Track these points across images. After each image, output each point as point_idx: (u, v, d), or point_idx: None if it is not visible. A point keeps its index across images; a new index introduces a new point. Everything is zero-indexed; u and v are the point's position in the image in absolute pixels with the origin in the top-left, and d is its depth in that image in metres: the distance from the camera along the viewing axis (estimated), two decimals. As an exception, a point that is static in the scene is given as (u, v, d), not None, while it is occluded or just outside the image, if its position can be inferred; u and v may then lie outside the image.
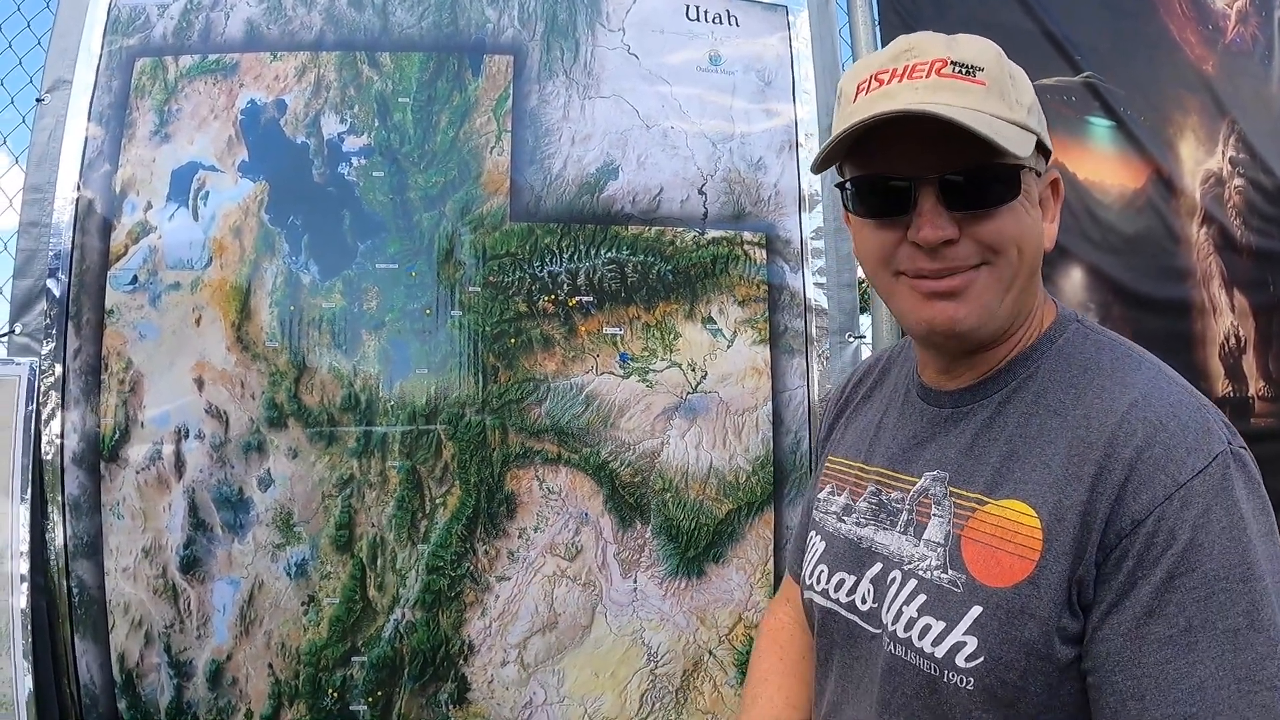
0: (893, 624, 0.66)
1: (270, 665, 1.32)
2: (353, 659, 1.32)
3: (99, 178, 1.40)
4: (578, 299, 1.40)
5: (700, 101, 1.47)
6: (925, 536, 0.66)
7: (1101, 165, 1.76)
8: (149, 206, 1.40)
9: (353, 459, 1.34)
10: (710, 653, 1.38)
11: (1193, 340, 1.84)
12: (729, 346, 1.43)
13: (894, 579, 0.67)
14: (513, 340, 1.38)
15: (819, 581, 0.76)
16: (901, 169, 0.63)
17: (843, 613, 0.72)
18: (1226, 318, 1.89)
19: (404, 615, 1.33)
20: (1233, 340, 1.90)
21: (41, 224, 1.40)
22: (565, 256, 1.40)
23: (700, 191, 1.45)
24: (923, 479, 0.68)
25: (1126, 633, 0.55)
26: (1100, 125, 1.78)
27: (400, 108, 1.42)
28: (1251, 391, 1.91)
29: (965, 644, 0.60)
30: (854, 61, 1.56)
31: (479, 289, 1.38)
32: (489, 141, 1.42)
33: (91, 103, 1.42)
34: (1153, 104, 1.86)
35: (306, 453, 1.34)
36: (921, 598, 0.64)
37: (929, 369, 0.73)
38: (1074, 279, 1.68)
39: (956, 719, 0.61)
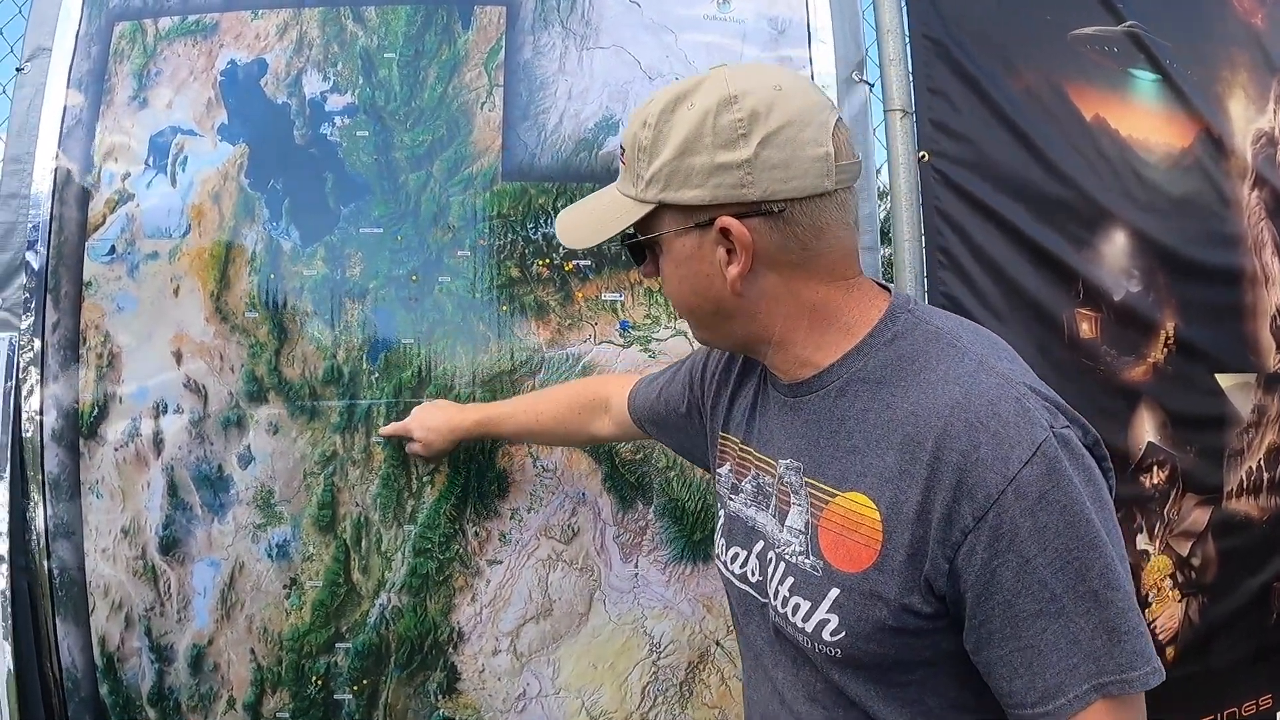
0: (774, 599, 0.75)
1: (252, 651, 1.27)
2: (337, 645, 1.26)
3: (77, 146, 1.36)
4: (574, 263, 1.31)
5: (707, 50, 1.37)
6: (788, 523, 0.74)
7: (1146, 121, 1.63)
8: (127, 174, 1.35)
9: (336, 434, 1.28)
10: (717, 643, 1.30)
11: (1242, 312, 1.71)
12: (737, 314, 1.33)
13: (770, 559, 0.76)
14: (505, 307, 1.30)
15: (722, 553, 0.84)
16: None
17: (737, 584, 0.81)
18: (1279, 289, 1.76)
19: (390, 600, 1.26)
20: (1287, 312, 1.76)
21: (20, 195, 1.37)
22: (561, 218, 1.32)
23: (706, 147, 1.36)
24: (780, 466, 0.76)
25: (1001, 615, 0.61)
26: (1145, 79, 1.64)
27: (386, 64, 1.35)
28: (1307, 367, 1.78)
29: (829, 620, 0.69)
30: (874, 7, 1.45)
31: (469, 253, 1.30)
32: (479, 97, 1.34)
33: (71, 70, 1.38)
34: (1199, 58, 1.73)
35: (288, 428, 1.28)
36: (790, 579, 0.73)
37: None
38: (1117, 243, 1.56)
39: (834, 678, 0.71)
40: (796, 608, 0.71)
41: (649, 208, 0.71)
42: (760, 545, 0.78)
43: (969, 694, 0.68)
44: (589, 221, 0.77)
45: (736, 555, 0.81)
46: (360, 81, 1.34)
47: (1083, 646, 0.60)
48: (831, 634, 0.68)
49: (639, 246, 0.75)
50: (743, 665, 0.87)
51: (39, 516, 1.29)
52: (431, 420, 1.22)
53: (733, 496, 0.83)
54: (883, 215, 1.50)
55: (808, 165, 0.67)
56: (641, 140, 0.70)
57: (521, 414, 1.19)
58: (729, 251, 0.69)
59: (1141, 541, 1.57)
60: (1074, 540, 0.60)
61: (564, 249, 1.30)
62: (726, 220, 0.68)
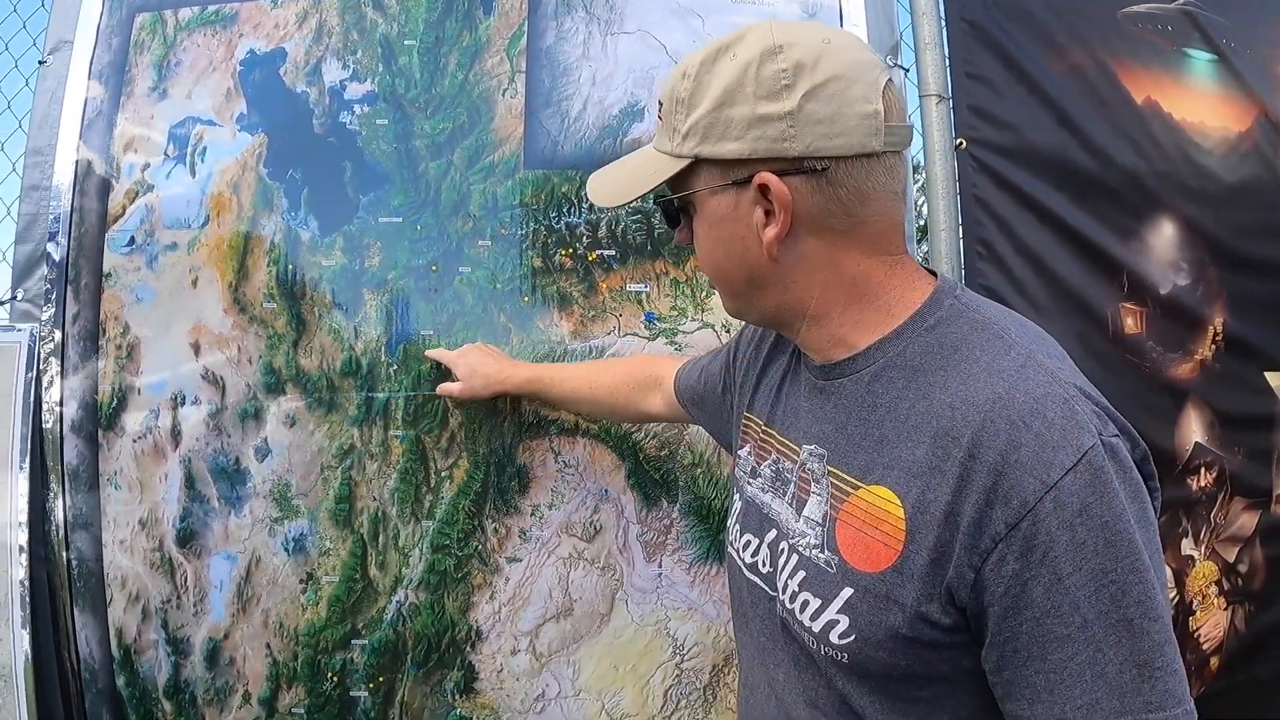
0: (782, 594, 0.70)
1: (268, 645, 1.25)
2: (353, 642, 1.23)
3: (98, 138, 1.36)
4: (598, 253, 1.27)
5: (734, 34, 1.33)
6: (805, 513, 0.69)
7: (1201, 104, 1.54)
8: (147, 165, 1.35)
9: (353, 427, 1.25)
10: (743, 646, 1.25)
11: (1300, 310, 1.62)
12: (765, 306, 1.28)
13: (783, 549, 0.71)
14: (526, 298, 1.26)
15: (735, 539, 0.80)
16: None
17: (747, 573, 0.76)
18: (1338, 284, 1.66)
19: (407, 597, 1.23)
20: (1349, 310, 1.66)
21: (42, 187, 1.37)
22: (584, 206, 1.27)
23: (733, 133, 1.31)
24: (803, 452, 0.71)
25: (1027, 634, 0.56)
26: (1200, 59, 1.56)
27: (406, 51, 1.32)
28: (1371, 368, 1.68)
29: (838, 622, 0.64)
30: (909, -14, 1.39)
31: (490, 243, 1.27)
32: (501, 84, 1.30)
33: (92, 62, 1.39)
34: (1258, 36, 1.64)
35: (305, 420, 1.26)
36: (801, 574, 0.68)
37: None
38: (1165, 233, 1.48)
39: (839, 685, 0.66)
40: (805, 604, 0.66)
41: (684, 163, 0.66)
42: (773, 534, 0.73)
43: (983, 717, 0.62)
44: (621, 179, 0.73)
45: (749, 543, 0.76)
46: (380, 69, 1.32)
47: (1109, 680, 0.54)
48: (840, 637, 0.63)
49: (673, 208, 0.70)
50: (740, 663, 0.82)
51: (58, 507, 1.29)
52: (481, 365, 1.18)
53: (750, 480, 0.78)
54: (919, 205, 1.44)
55: (855, 122, 0.62)
56: (679, 92, 0.66)
57: (576, 379, 1.15)
58: (767, 213, 0.64)
59: (1187, 546, 1.50)
60: (1113, 561, 0.54)
61: (587, 239, 1.27)
62: (766, 176, 0.63)
